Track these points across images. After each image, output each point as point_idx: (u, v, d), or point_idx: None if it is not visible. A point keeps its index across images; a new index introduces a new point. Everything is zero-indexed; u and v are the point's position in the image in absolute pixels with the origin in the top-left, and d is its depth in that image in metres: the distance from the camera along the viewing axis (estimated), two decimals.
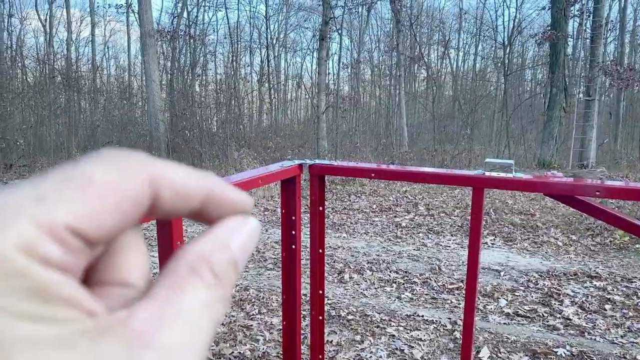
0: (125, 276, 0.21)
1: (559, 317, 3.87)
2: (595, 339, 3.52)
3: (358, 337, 3.52)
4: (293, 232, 1.69)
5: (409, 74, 21.36)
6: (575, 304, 4.12)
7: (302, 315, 1.80)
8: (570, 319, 3.83)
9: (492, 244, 5.95)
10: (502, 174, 1.51)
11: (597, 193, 1.42)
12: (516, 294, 4.34)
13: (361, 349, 3.36)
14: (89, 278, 0.21)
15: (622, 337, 3.56)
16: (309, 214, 1.78)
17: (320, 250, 1.81)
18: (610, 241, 5.91)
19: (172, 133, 14.27)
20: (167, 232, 1.20)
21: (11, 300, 0.16)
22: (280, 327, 2.59)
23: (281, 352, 1.83)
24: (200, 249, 0.21)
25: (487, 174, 1.53)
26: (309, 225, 1.79)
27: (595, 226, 6.30)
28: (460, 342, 1.71)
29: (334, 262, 5.17)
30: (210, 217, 0.23)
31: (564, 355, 3.30)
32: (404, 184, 9.13)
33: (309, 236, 1.81)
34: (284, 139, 16.69)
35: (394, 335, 3.54)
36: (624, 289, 4.45)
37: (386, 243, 5.99)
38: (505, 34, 19.01)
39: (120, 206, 0.19)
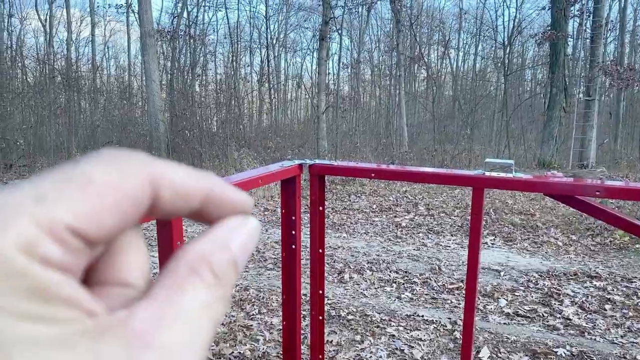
0: (125, 276, 0.21)
1: (559, 317, 3.87)
2: (595, 339, 3.52)
3: (358, 337, 3.52)
4: (293, 232, 1.69)
5: (409, 74, 21.36)
6: (575, 304, 4.12)
7: (302, 315, 1.80)
8: (570, 319, 3.83)
9: (492, 244, 5.95)
10: (502, 174, 1.51)
11: (597, 193, 1.42)
12: (516, 294, 4.34)
13: (361, 349, 3.36)
14: (89, 278, 0.21)
15: (622, 337, 3.56)
16: (309, 214, 1.78)
17: (320, 250, 1.81)
18: (610, 241, 5.91)
19: (172, 133, 14.27)
20: (167, 232, 1.20)
21: (11, 300, 0.16)
22: (280, 327, 2.59)
23: (281, 352, 1.83)
24: (200, 248, 0.21)
25: (487, 174, 1.53)
26: (309, 225, 1.79)
27: (595, 226, 6.30)
28: (460, 342, 1.71)
29: (334, 262, 5.17)
30: (210, 217, 0.23)
31: (564, 355, 3.30)
32: (404, 184, 9.14)
33: (309, 236, 1.80)
34: (284, 139, 16.69)
35: (394, 335, 3.54)
36: (624, 289, 4.45)
37: (386, 243, 5.99)
38: (505, 34, 19.02)
39: (120, 206, 0.19)
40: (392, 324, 3.74)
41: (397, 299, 4.24)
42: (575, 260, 5.34)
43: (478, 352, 3.30)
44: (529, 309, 4.03)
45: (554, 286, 4.50)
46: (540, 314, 3.93)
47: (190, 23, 18.93)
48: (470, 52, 23.87)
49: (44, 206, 0.17)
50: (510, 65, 18.79)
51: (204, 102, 15.74)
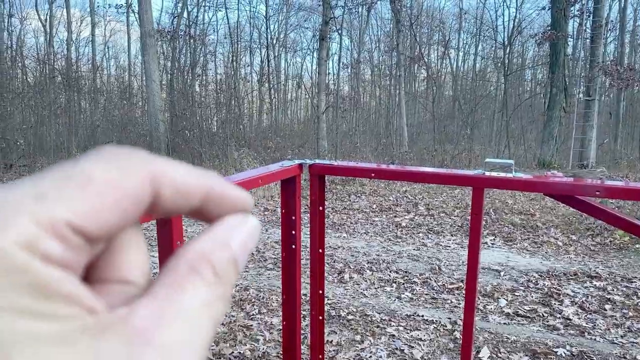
0: (126, 274, 0.21)
1: (559, 317, 3.87)
2: (595, 339, 3.52)
3: (358, 337, 3.52)
4: (293, 232, 1.69)
5: (409, 74, 21.36)
6: (575, 304, 4.12)
7: (302, 315, 1.80)
8: (570, 319, 3.83)
9: (492, 244, 5.95)
10: (502, 174, 1.51)
11: (597, 193, 1.42)
12: (516, 294, 4.34)
13: (361, 349, 3.36)
14: (90, 275, 0.21)
15: (622, 337, 3.56)
16: (309, 214, 1.78)
17: (320, 250, 1.81)
18: (610, 241, 5.91)
19: (172, 133, 14.27)
20: (167, 232, 1.20)
21: (12, 297, 0.16)
22: (280, 327, 2.59)
23: (281, 352, 1.83)
24: (200, 247, 0.21)
25: (487, 173, 1.53)
26: (309, 225, 1.79)
27: (595, 226, 6.30)
28: (460, 342, 1.71)
29: (334, 262, 5.17)
30: (211, 216, 0.23)
31: (564, 355, 3.30)
32: (404, 183, 9.14)
33: (309, 236, 1.80)
34: (284, 139, 16.69)
35: (394, 335, 3.54)
36: (624, 289, 4.45)
37: (386, 243, 5.99)
38: (505, 34, 19.03)
39: (120, 204, 0.19)
40: (392, 324, 3.74)
41: (397, 299, 4.25)
42: (575, 260, 5.34)
43: (478, 352, 3.30)
44: (529, 309, 4.03)
45: (554, 286, 4.49)
46: (540, 314, 3.93)
47: (191, 23, 18.93)
48: (470, 52, 23.89)
49: (44, 204, 0.17)
50: (510, 65, 18.79)
51: (204, 102, 15.74)
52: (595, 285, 4.54)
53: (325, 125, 14.78)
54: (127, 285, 0.21)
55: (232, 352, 3.26)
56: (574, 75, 15.26)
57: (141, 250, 0.22)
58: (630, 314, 3.91)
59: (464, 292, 1.64)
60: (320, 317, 1.85)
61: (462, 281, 4.54)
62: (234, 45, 20.79)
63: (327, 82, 16.75)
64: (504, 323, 3.78)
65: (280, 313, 2.24)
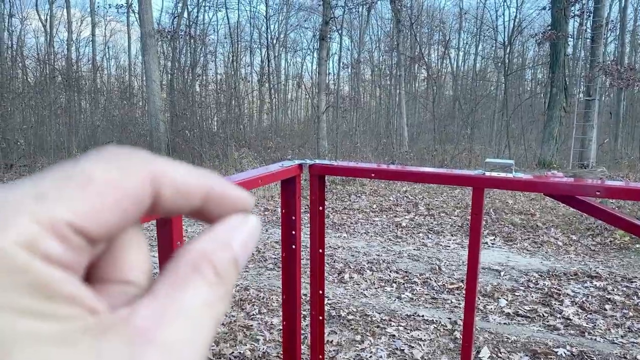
0: (127, 274, 0.21)
1: (559, 317, 3.87)
2: (595, 339, 3.52)
3: (358, 337, 3.51)
4: (293, 232, 1.69)
5: (409, 74, 21.35)
6: (576, 304, 4.12)
7: (302, 315, 1.80)
8: (570, 319, 3.83)
9: (492, 243, 5.95)
10: (502, 174, 1.51)
11: (598, 193, 1.42)
12: (516, 294, 4.34)
13: (361, 349, 3.36)
14: (91, 276, 0.21)
15: (622, 337, 3.56)
16: (309, 214, 1.78)
17: (321, 250, 1.81)
18: (611, 241, 5.91)
19: (173, 133, 14.27)
20: (167, 232, 1.20)
21: (12, 297, 0.16)
22: (280, 327, 2.59)
23: (281, 352, 1.83)
24: (201, 247, 0.21)
25: (487, 174, 1.53)
26: (309, 225, 1.79)
27: (596, 226, 6.30)
28: (461, 342, 1.71)
29: (334, 262, 5.17)
30: (211, 216, 0.23)
31: (564, 355, 3.30)
32: (404, 183, 9.13)
33: (309, 236, 1.80)
34: (284, 139, 16.69)
35: (394, 335, 3.54)
36: (624, 289, 4.44)
37: (386, 243, 5.99)
38: (505, 33, 19.02)
39: (121, 204, 0.19)
40: (392, 324, 3.74)
41: (397, 299, 4.24)
42: (575, 260, 5.33)
43: (478, 352, 3.29)
44: (529, 309, 4.03)
45: (554, 286, 4.49)
46: (541, 314, 3.93)
47: (191, 23, 18.93)
48: (471, 52, 23.89)
49: (44, 204, 0.17)
50: (511, 65, 18.78)
51: (204, 102, 15.75)
52: (595, 285, 4.53)
53: (326, 125, 14.78)
54: (128, 286, 0.21)
55: (232, 352, 3.26)
56: (574, 75, 15.26)
57: (142, 250, 0.22)
58: (631, 314, 3.91)
59: (464, 292, 1.64)
60: (320, 317, 1.85)
61: (462, 281, 4.54)
62: (234, 45, 20.80)
63: (327, 82, 16.75)
64: (504, 323, 3.78)
65: (280, 313, 2.24)
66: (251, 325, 3.66)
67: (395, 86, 18.92)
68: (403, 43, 18.62)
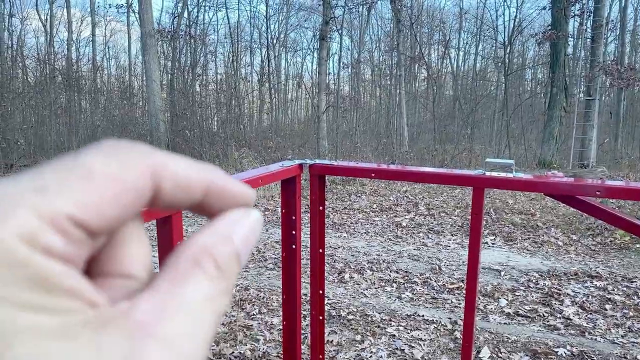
0: (127, 268, 0.21)
1: (560, 317, 3.87)
2: (595, 339, 3.52)
3: (358, 337, 3.51)
4: (293, 232, 1.69)
5: (409, 74, 21.35)
6: (576, 303, 4.11)
7: (302, 315, 1.80)
8: (570, 319, 3.83)
9: (493, 243, 5.95)
10: (503, 174, 1.51)
11: (598, 193, 1.41)
12: (516, 293, 4.34)
13: (361, 348, 3.36)
14: (91, 269, 0.21)
15: (622, 337, 3.56)
16: (309, 214, 1.78)
17: (321, 250, 1.81)
18: (611, 241, 5.90)
19: (173, 133, 14.28)
20: (167, 231, 1.19)
21: (13, 290, 0.16)
22: (281, 327, 2.59)
23: (281, 352, 1.83)
24: (202, 241, 0.21)
25: (488, 173, 1.53)
26: (309, 225, 1.79)
27: (596, 226, 6.30)
28: (461, 342, 1.71)
29: (334, 262, 5.17)
30: (212, 210, 0.23)
31: (564, 355, 3.29)
32: (404, 183, 9.13)
33: (309, 236, 1.80)
34: (284, 139, 16.69)
35: (394, 335, 3.54)
36: (625, 288, 4.44)
37: (386, 243, 5.99)
38: (505, 33, 19.03)
39: (121, 197, 0.19)
40: (393, 323, 3.74)
41: (397, 299, 4.24)
42: (575, 260, 5.33)
43: (478, 352, 3.29)
44: (529, 308, 4.03)
45: (555, 286, 4.49)
46: (541, 314, 3.93)
47: (191, 23, 18.93)
48: (471, 51, 23.89)
49: (44, 197, 0.17)
50: (511, 65, 18.78)
51: (205, 102, 15.75)
52: (595, 285, 4.53)
53: (326, 125, 14.78)
54: (129, 279, 0.21)
55: (233, 352, 3.26)
56: (575, 74, 15.26)
57: (143, 244, 0.22)
58: (631, 313, 3.91)
59: (464, 292, 1.64)
60: (321, 317, 1.85)
61: (462, 281, 4.54)
62: (234, 45, 20.80)
63: (327, 82, 16.75)
64: (505, 323, 3.77)
65: (281, 313, 2.24)
66: (251, 325, 3.66)
67: (395, 86, 18.92)
68: (403, 43, 18.62)
